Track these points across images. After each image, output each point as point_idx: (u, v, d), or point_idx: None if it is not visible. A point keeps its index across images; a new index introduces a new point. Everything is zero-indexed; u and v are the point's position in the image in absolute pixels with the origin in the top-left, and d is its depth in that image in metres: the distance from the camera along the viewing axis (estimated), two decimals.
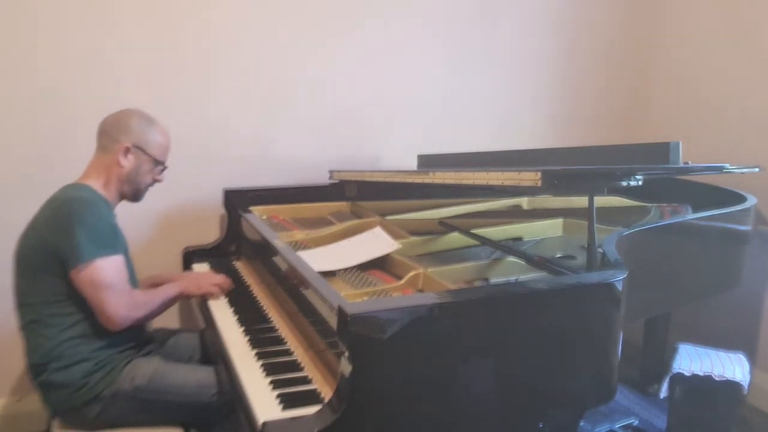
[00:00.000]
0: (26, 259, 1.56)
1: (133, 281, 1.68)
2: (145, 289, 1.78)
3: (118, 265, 1.55)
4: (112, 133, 1.67)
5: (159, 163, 1.74)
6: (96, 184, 1.66)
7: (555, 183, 1.43)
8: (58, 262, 1.50)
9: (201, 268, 2.22)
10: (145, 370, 1.59)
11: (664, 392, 2.00)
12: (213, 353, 1.68)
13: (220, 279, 1.90)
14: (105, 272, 1.50)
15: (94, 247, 1.49)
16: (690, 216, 2.08)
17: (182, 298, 1.84)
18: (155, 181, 1.77)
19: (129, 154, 1.67)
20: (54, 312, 1.53)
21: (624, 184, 1.44)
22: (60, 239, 1.49)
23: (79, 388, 1.52)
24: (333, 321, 1.19)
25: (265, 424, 1.13)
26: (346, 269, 1.76)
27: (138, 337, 1.68)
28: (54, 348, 1.53)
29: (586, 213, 1.54)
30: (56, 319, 1.53)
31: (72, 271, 1.49)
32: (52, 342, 1.53)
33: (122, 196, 1.73)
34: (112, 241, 1.56)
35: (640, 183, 1.45)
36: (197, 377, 1.61)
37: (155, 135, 1.72)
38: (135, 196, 1.75)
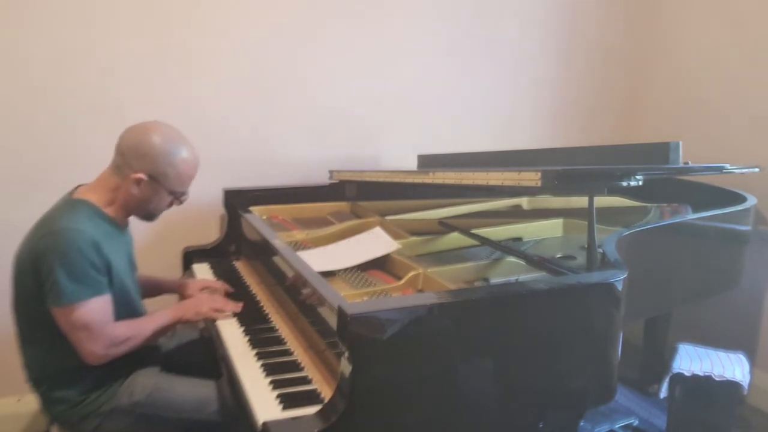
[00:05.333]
0: (20, 279, 1.47)
1: (132, 309, 1.59)
2: (143, 284, 1.74)
3: (98, 307, 1.42)
4: (128, 156, 1.49)
5: (176, 194, 1.58)
6: (100, 201, 1.52)
7: (555, 183, 1.43)
8: (43, 292, 1.41)
9: (201, 268, 2.22)
10: (144, 383, 1.55)
11: (664, 392, 2.00)
12: (213, 354, 1.67)
13: (229, 305, 1.71)
14: (82, 316, 1.39)
15: (72, 290, 1.37)
16: (690, 216, 2.08)
17: (180, 324, 1.67)
18: (172, 205, 1.62)
19: (141, 184, 1.50)
20: (47, 333, 1.45)
21: (624, 184, 1.44)
22: (43, 272, 1.39)
23: (77, 404, 1.49)
24: (333, 321, 1.20)
25: (265, 424, 1.13)
26: (346, 269, 1.76)
27: (139, 353, 1.57)
28: (50, 366, 1.49)
29: (586, 213, 1.55)
30: (52, 340, 1.45)
31: (51, 308, 1.41)
32: (47, 360, 1.49)
33: (131, 215, 1.61)
34: (95, 280, 1.41)
35: (640, 183, 1.45)
36: (198, 394, 1.57)
37: (176, 165, 1.51)
38: (147, 218, 1.62)
